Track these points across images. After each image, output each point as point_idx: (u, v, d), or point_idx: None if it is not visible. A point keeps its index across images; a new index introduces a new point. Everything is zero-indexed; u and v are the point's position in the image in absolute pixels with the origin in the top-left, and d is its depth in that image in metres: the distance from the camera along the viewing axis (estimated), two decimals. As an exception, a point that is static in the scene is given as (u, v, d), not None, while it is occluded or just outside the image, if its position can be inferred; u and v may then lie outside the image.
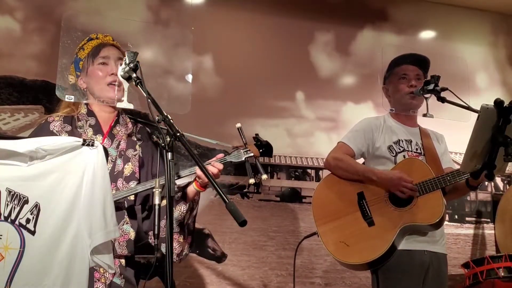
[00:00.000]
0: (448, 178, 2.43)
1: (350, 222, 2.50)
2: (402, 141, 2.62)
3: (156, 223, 1.56)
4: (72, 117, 1.99)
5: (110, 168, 1.92)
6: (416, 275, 2.43)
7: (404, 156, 2.58)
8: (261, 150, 2.01)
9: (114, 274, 1.87)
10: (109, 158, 1.93)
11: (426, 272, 2.45)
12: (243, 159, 1.95)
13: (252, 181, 1.92)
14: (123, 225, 1.90)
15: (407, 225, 2.40)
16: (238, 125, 1.98)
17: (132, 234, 1.91)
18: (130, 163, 1.97)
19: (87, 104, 2.02)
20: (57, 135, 1.92)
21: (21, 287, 1.39)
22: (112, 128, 2.00)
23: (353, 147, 2.60)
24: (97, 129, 1.98)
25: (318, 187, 2.67)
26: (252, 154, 1.96)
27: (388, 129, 2.64)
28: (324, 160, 2.67)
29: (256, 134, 2.06)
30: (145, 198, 1.99)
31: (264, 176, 1.92)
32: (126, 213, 1.92)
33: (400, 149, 2.60)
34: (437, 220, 2.39)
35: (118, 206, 1.89)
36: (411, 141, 2.63)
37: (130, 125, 2.07)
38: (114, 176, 1.93)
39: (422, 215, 2.41)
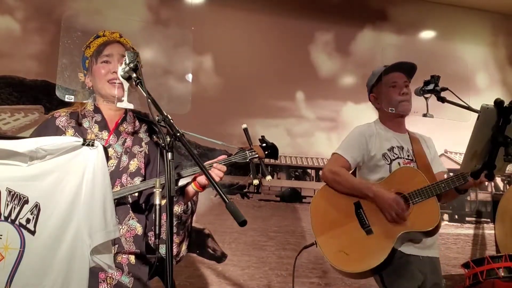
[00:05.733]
0: (443, 185, 2.45)
1: (348, 231, 2.52)
2: (395, 148, 2.65)
3: (157, 223, 1.56)
4: (78, 113, 1.99)
5: (115, 164, 1.92)
6: (416, 279, 2.46)
7: (399, 163, 2.60)
8: (266, 152, 2.01)
9: (122, 273, 1.84)
10: (114, 154, 1.93)
11: (425, 278, 2.48)
12: (248, 160, 1.96)
13: (256, 182, 1.93)
14: (128, 220, 1.89)
15: (404, 233, 2.43)
16: (244, 126, 1.99)
17: (139, 230, 1.90)
18: (135, 159, 1.96)
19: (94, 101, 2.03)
20: (63, 130, 1.91)
21: (21, 287, 1.39)
22: (118, 125, 2.00)
23: (348, 159, 2.62)
24: (103, 125, 1.98)
25: (314, 198, 2.71)
26: (257, 155, 1.97)
27: (381, 136, 2.66)
28: (321, 172, 2.69)
29: (262, 136, 2.07)
30: (147, 197, 1.97)
31: (268, 177, 1.93)
32: (130, 208, 1.91)
33: (394, 156, 2.62)
34: (435, 226, 2.41)
35: (122, 201, 1.89)
36: (403, 148, 2.66)
37: (137, 123, 2.07)
38: (119, 172, 1.92)
39: (419, 222, 2.43)
